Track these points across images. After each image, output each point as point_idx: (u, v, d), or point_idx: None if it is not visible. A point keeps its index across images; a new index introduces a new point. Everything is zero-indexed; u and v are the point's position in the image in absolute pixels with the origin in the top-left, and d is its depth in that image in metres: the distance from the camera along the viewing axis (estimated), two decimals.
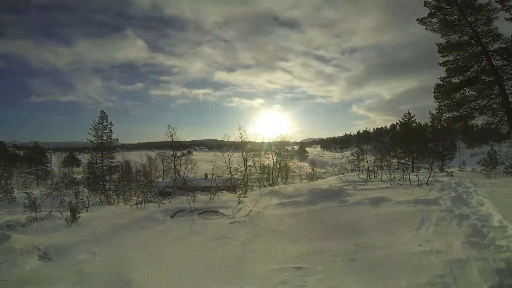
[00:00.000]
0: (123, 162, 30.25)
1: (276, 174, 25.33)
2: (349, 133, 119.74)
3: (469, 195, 6.20)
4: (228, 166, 24.46)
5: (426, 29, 13.71)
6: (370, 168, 13.64)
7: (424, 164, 22.17)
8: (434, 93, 14.40)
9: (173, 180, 24.15)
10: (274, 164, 26.72)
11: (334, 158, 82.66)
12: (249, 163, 25.68)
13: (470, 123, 14.64)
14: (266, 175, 26.01)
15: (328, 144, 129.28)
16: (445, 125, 20.63)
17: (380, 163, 14.06)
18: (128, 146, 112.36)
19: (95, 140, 28.25)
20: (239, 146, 27.24)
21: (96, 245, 4.64)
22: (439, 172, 15.40)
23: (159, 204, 8.68)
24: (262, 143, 33.52)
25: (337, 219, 5.71)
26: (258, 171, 26.31)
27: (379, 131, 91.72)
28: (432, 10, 13.30)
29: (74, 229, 5.82)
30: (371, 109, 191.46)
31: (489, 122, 13.69)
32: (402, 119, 27.71)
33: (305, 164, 44.55)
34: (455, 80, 13.81)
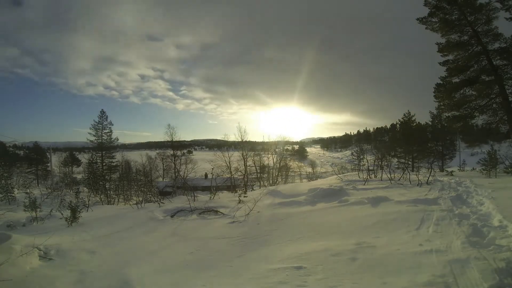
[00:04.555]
0: (123, 161, 30.27)
1: (276, 174, 25.33)
2: (349, 133, 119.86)
3: (469, 195, 6.20)
4: (228, 165, 24.46)
5: (426, 28, 13.68)
6: (370, 168, 13.65)
7: (424, 164, 22.18)
8: (434, 92, 14.38)
9: (173, 180, 24.16)
10: (274, 164, 26.73)
11: (334, 158, 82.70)
12: (249, 162, 25.68)
13: (470, 123, 14.59)
14: (266, 175, 26.03)
15: (328, 143, 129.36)
16: (445, 124, 20.63)
17: (380, 163, 14.06)
18: (128, 146, 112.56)
19: (95, 140, 28.25)
20: (239, 145, 27.22)
21: (96, 245, 4.64)
22: (439, 172, 15.41)
23: (159, 203, 8.68)
24: (263, 142, 33.50)
25: (337, 218, 5.71)
26: (258, 171, 26.33)
27: (379, 131, 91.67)
28: (432, 10, 13.27)
29: (75, 229, 5.82)
30: None
31: (489, 121, 13.66)
32: (402, 118, 27.69)
33: (305, 164, 44.54)
34: (455, 79, 13.78)
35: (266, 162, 28.70)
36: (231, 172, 24.23)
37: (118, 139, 30.67)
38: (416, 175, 10.28)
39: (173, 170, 29.56)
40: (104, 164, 28.47)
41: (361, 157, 16.77)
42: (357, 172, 14.23)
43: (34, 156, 37.02)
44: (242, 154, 25.30)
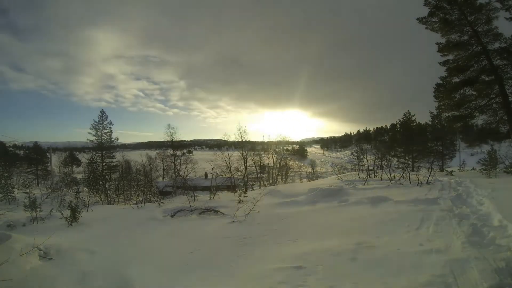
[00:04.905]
0: (123, 161, 30.27)
1: (276, 174, 25.34)
2: (349, 133, 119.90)
3: (469, 195, 6.20)
4: (228, 165, 24.47)
5: (426, 28, 13.68)
6: (370, 168, 13.66)
7: (424, 164, 22.17)
8: (434, 92, 14.40)
9: (173, 180, 24.16)
10: (274, 164, 26.74)
11: (334, 158, 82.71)
12: (249, 162, 25.70)
13: (470, 123, 14.59)
14: (266, 175, 26.04)
15: (328, 143, 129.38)
16: (445, 124, 20.62)
17: (380, 163, 14.07)
18: (128, 145, 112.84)
19: (95, 139, 28.24)
20: (239, 145, 27.24)
21: (96, 245, 4.63)
22: (439, 172, 15.40)
23: (159, 203, 8.68)
24: (262, 142, 33.53)
25: (337, 218, 5.71)
26: (258, 171, 26.34)
27: (379, 131, 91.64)
28: (432, 10, 13.27)
29: (75, 229, 5.82)
30: None
31: (489, 121, 13.67)
32: (402, 118, 27.69)
33: (305, 164, 44.51)
34: (455, 79, 13.79)
35: (266, 162, 28.73)
36: (231, 172, 24.24)
37: (118, 139, 30.69)
38: (416, 175, 10.28)
39: (173, 170, 29.57)
40: (104, 164, 28.47)
41: (361, 157, 16.75)
42: (357, 172, 14.24)
43: (34, 156, 37.03)
44: (242, 154, 25.32)
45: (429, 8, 13.35)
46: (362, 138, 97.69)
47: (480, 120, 13.96)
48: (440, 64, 13.97)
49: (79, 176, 27.46)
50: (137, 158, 34.27)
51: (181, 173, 24.35)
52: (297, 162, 37.26)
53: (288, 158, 31.29)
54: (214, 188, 14.09)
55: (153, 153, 41.34)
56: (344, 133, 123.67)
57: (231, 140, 31.97)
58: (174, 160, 29.95)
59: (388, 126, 71.63)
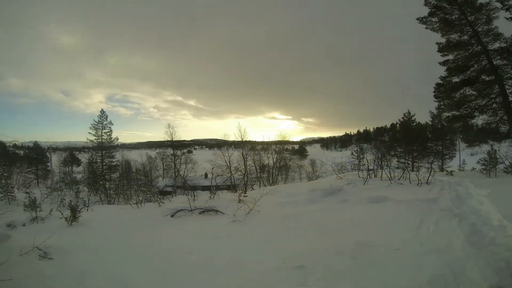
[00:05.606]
0: (123, 161, 30.27)
1: (276, 173, 25.34)
2: (349, 132, 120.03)
3: (469, 195, 6.19)
4: (228, 165, 24.47)
5: (426, 28, 13.67)
6: (370, 168, 13.63)
7: (424, 164, 22.18)
8: (434, 92, 14.38)
9: (173, 179, 24.18)
10: (274, 163, 26.75)
11: (334, 157, 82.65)
12: (249, 162, 25.70)
13: (470, 123, 14.59)
14: (266, 175, 26.05)
15: (328, 143, 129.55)
16: (445, 124, 20.64)
17: (380, 162, 14.06)
18: (128, 145, 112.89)
19: (95, 139, 28.23)
20: (239, 145, 27.26)
21: (96, 245, 4.63)
22: (439, 172, 15.39)
23: (159, 203, 8.67)
24: (262, 142, 33.58)
25: (338, 218, 5.71)
26: (258, 170, 26.35)
27: (379, 130, 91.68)
28: (432, 9, 13.26)
29: (75, 229, 5.82)
30: None
31: (489, 121, 13.67)
32: (402, 118, 27.67)
33: (305, 163, 44.50)
34: (455, 79, 13.78)
35: (266, 162, 28.74)
36: (231, 171, 24.24)
37: (118, 139, 30.67)
38: (416, 175, 10.27)
39: (173, 170, 29.57)
40: (104, 163, 28.47)
41: (361, 156, 16.74)
42: (357, 172, 14.22)
43: (34, 156, 37.03)
44: (242, 153, 25.31)
45: (429, 8, 13.34)
46: (362, 137, 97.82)
47: (480, 120, 13.95)
48: (440, 64, 13.97)
49: (79, 176, 27.49)
50: (137, 157, 34.34)
51: (181, 172, 24.37)
52: (297, 162, 37.27)
53: (288, 158, 31.33)
54: (214, 188, 14.09)
55: (153, 153, 41.40)
56: (344, 133, 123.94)
57: (231, 139, 32.00)
58: (174, 160, 29.92)
59: (388, 126, 71.66)
